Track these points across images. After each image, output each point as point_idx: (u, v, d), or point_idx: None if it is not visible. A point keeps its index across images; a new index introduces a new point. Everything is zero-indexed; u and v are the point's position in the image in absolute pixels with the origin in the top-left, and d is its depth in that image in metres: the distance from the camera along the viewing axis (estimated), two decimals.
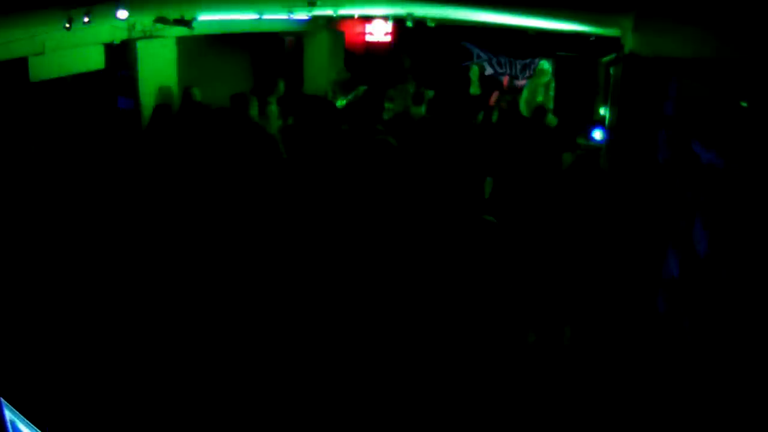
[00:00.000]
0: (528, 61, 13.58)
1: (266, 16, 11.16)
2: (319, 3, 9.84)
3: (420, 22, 11.45)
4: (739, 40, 5.94)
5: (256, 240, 7.88)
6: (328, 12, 11.49)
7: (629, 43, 8.09)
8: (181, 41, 10.85)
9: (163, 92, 10.51)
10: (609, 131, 9.10)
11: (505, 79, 13.66)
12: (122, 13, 8.13)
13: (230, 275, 7.43)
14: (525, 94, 12.53)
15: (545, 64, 12.23)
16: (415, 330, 6.60)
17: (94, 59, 9.68)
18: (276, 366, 6.13)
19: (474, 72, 13.76)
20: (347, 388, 5.93)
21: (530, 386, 6.05)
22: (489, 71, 14.00)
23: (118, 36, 9.67)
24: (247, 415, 5.58)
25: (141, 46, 10.14)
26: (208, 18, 10.36)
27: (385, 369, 6.16)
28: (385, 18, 13.65)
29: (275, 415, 5.58)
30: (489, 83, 13.83)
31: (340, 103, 11.68)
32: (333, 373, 6.10)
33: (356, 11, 12.58)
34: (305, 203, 8.01)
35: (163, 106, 10.21)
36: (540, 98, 12.14)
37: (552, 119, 10.74)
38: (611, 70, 9.35)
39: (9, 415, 4.32)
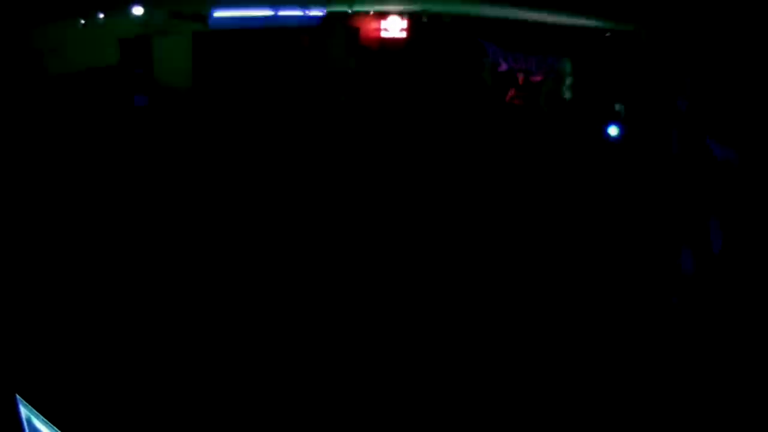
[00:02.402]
0: (542, 56, 13.47)
1: (281, 13, 11.14)
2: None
3: (436, 17, 11.41)
4: None
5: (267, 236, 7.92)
6: (344, 9, 11.48)
7: (644, 39, 8.05)
8: (196, 37, 10.85)
9: None
10: (624, 126, 9.05)
11: (521, 78, 13.54)
12: (137, 9, 8.16)
13: (235, 272, 7.47)
14: (544, 91, 12.43)
15: (567, 65, 12.12)
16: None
17: (108, 55, 9.70)
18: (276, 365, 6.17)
19: (485, 68, 13.65)
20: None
21: (541, 378, 6.04)
22: (504, 67, 13.91)
23: (133, 32, 9.68)
24: (248, 409, 5.60)
25: (156, 43, 10.15)
26: (223, 14, 10.35)
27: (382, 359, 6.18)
28: (401, 14, 13.59)
29: (275, 414, 5.61)
30: (503, 78, 13.74)
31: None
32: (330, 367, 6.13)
33: (371, 8, 12.55)
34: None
35: None
36: (559, 94, 12.06)
37: (569, 114, 10.69)
38: (626, 66, 9.31)
39: (25, 411, 4.36)
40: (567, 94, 12.32)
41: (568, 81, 12.42)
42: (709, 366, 5.80)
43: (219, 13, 10.13)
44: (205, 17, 9.63)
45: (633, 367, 6.12)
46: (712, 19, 6.78)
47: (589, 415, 5.64)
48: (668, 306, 6.80)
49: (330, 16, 12.73)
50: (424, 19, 11.45)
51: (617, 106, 10.99)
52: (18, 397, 4.36)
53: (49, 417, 4.23)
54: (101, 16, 8.13)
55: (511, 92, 13.07)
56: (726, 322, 6.02)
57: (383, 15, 13.74)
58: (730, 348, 5.80)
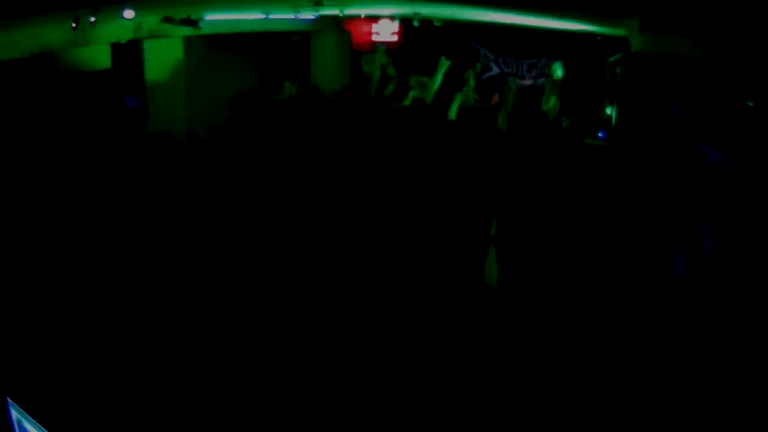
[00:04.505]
0: (534, 60, 13.51)
1: (273, 16, 11.16)
2: (325, 3, 9.84)
3: (426, 21, 11.44)
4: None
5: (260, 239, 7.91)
6: (335, 12, 11.50)
7: (636, 44, 8.07)
8: (188, 41, 10.86)
9: None
10: (614, 131, 9.08)
11: (494, 98, 13.29)
12: (129, 13, 8.16)
13: (234, 274, 7.44)
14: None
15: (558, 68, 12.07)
16: (416, 329, 6.62)
17: (100, 59, 9.72)
18: (276, 366, 6.14)
19: (469, 73, 13.57)
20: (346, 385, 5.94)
21: (536, 385, 6.04)
22: (495, 71, 13.94)
23: (124, 36, 9.68)
24: (247, 414, 5.59)
25: (147, 47, 10.16)
26: (215, 18, 10.36)
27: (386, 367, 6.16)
28: (392, 18, 13.62)
29: (275, 415, 5.59)
30: (492, 83, 13.71)
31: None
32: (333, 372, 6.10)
33: (363, 11, 12.57)
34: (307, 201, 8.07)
35: None
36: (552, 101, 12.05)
37: (565, 120, 10.71)
38: (618, 70, 9.33)
39: (15, 414, 4.34)
40: (558, 98, 12.33)
41: (559, 84, 12.44)
42: (703, 367, 5.81)
43: (211, 17, 10.14)
44: (196, 21, 9.63)
45: (626, 370, 6.14)
46: (702, 26, 6.82)
47: (584, 418, 5.65)
48: (661, 308, 6.82)
49: (322, 20, 12.76)
50: (416, 23, 11.47)
51: (609, 110, 11.06)
52: (9, 400, 4.34)
53: (40, 420, 4.21)
54: (92, 19, 8.10)
55: (496, 96, 13.02)
56: (720, 324, 6.04)
57: (375, 19, 13.77)
58: (724, 350, 5.82)
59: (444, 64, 11.12)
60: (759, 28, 5.98)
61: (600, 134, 11.11)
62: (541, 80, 13.14)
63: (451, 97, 10.72)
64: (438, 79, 10.92)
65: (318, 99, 10.66)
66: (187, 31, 10.18)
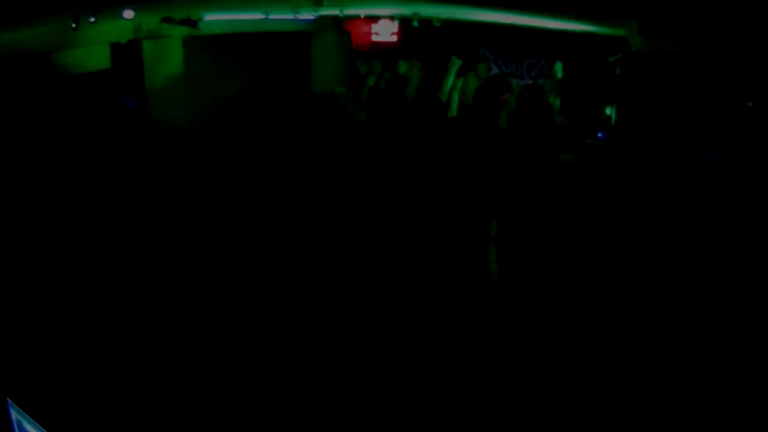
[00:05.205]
0: (534, 60, 13.50)
1: (272, 16, 11.17)
2: (325, 3, 9.85)
3: (426, 21, 11.45)
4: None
5: (259, 237, 7.91)
6: (335, 12, 11.51)
7: (636, 43, 8.08)
8: (187, 41, 10.87)
9: None
10: (614, 131, 9.09)
11: (504, 96, 13.32)
12: (128, 13, 8.17)
13: (232, 274, 7.44)
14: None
15: (558, 69, 12.07)
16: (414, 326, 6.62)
17: (99, 59, 9.72)
18: (276, 366, 6.14)
19: (469, 75, 13.58)
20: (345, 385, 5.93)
21: (537, 383, 6.04)
22: (494, 71, 13.93)
23: (124, 36, 9.69)
24: (247, 414, 5.58)
25: (147, 47, 10.16)
26: (214, 18, 10.37)
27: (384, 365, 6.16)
28: (392, 18, 13.62)
29: (275, 415, 5.58)
30: (493, 82, 13.71)
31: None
32: (333, 372, 6.10)
33: (362, 11, 12.58)
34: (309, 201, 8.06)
35: None
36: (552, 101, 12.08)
37: (561, 120, 10.71)
38: (617, 70, 9.33)
39: (15, 414, 4.33)
40: (558, 98, 12.35)
41: (559, 85, 12.45)
42: (703, 366, 5.81)
43: (211, 17, 10.16)
44: (195, 21, 9.65)
45: (627, 368, 6.13)
46: (701, 26, 6.83)
47: (584, 416, 5.64)
48: (660, 305, 6.81)
49: (321, 20, 12.77)
50: (415, 24, 11.49)
51: (609, 110, 11.06)
52: (8, 399, 4.33)
53: (40, 420, 4.20)
54: (92, 19, 8.09)
55: (506, 95, 13.04)
56: (719, 323, 6.03)
57: (374, 19, 13.77)
58: (724, 349, 5.82)
59: (456, 63, 11.10)
60: (757, 27, 5.98)
61: (600, 134, 11.13)
62: (541, 80, 13.15)
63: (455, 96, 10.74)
64: (450, 78, 10.91)
65: (310, 100, 10.68)
66: (186, 31, 10.19)
